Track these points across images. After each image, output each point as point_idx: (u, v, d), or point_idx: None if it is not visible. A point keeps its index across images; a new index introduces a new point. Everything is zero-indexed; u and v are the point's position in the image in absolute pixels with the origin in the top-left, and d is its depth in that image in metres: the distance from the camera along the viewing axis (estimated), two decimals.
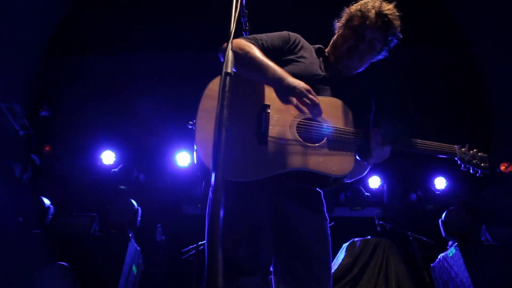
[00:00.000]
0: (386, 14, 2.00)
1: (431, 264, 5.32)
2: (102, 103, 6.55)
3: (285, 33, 2.10)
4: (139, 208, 5.45)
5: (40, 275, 4.10)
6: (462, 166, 2.13)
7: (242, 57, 1.78)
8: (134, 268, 4.73)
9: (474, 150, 2.15)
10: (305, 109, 1.67)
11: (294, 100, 1.64)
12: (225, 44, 1.79)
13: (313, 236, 1.83)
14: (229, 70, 1.10)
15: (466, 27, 5.26)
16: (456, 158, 2.10)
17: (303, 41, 2.13)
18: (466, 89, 6.12)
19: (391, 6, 2.05)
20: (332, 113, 1.86)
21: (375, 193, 6.84)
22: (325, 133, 1.82)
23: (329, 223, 1.96)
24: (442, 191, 6.58)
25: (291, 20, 5.27)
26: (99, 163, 6.55)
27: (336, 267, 4.74)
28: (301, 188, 1.88)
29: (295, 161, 1.74)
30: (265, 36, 2.01)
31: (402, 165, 6.75)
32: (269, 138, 1.74)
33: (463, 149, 2.12)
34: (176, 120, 5.98)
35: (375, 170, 6.74)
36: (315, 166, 1.75)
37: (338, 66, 2.09)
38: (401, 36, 2.10)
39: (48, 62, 6.26)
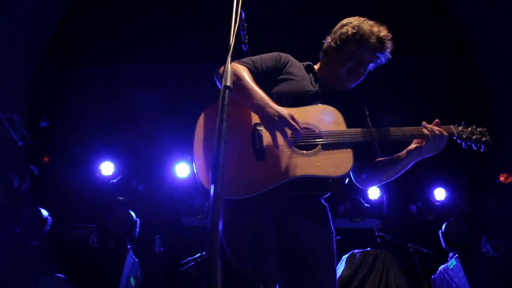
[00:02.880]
0: (385, 40, 2.06)
1: (432, 276, 5.28)
2: (101, 113, 6.56)
3: (276, 53, 2.16)
4: (137, 219, 5.42)
5: (37, 287, 4.06)
6: (463, 144, 2.09)
7: (234, 83, 1.82)
8: (132, 280, 4.69)
9: (473, 126, 2.12)
10: (288, 133, 1.73)
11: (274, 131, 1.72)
12: (221, 69, 1.87)
13: (319, 247, 1.85)
14: (228, 84, 1.11)
15: (468, 36, 5.31)
16: (454, 137, 2.07)
17: (292, 60, 2.19)
18: (466, 100, 6.15)
19: (386, 30, 2.10)
20: (323, 118, 1.91)
21: (374, 204, 6.82)
22: (318, 138, 1.85)
23: (336, 237, 1.97)
24: (442, 202, 6.56)
25: (290, 33, 5.31)
26: (98, 174, 6.54)
27: None
28: (304, 198, 1.90)
29: (294, 170, 1.76)
30: (259, 58, 2.08)
31: (402, 176, 6.73)
32: (266, 154, 1.79)
33: (460, 127, 2.10)
34: (176, 131, 5.99)
35: None
36: (314, 171, 1.78)
37: (338, 87, 2.14)
38: (390, 57, 2.14)
39: (48, 73, 6.29)
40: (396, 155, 2.10)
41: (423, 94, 6.14)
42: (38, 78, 6.19)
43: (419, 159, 2.03)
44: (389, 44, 2.08)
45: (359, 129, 1.95)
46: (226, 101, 1.07)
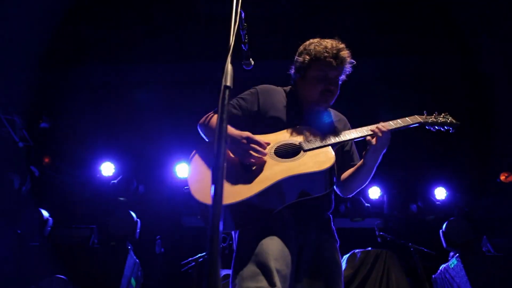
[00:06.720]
0: (340, 52, 2.16)
1: (433, 276, 5.28)
2: (102, 114, 6.57)
3: (253, 91, 2.30)
4: (138, 220, 5.42)
5: None
6: (432, 128, 2.31)
7: (211, 131, 2.10)
8: (133, 281, 4.69)
9: (435, 113, 2.34)
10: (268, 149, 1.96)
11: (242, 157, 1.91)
12: (203, 119, 2.12)
13: (331, 258, 1.99)
14: (228, 84, 1.11)
15: (467, 35, 5.30)
16: (417, 124, 2.24)
17: (270, 92, 2.32)
18: (467, 99, 6.15)
19: (337, 42, 2.21)
20: (299, 134, 2.09)
21: (375, 204, 6.82)
22: (298, 147, 2.01)
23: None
24: (443, 202, 6.56)
25: (291, 32, 5.31)
26: (98, 175, 6.55)
27: None
28: (312, 209, 2.02)
29: (281, 173, 1.86)
30: (236, 101, 2.23)
31: (402, 176, 6.74)
32: (251, 166, 1.94)
33: (424, 116, 2.30)
34: (176, 131, 5.99)
35: (375, 180, 6.74)
36: (296, 170, 1.88)
37: (316, 109, 2.27)
38: (354, 62, 2.24)
39: (48, 74, 6.29)
40: (357, 165, 2.21)
41: (423, 93, 6.14)
42: (38, 79, 6.20)
43: (379, 157, 2.10)
44: (344, 54, 2.18)
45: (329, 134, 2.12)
46: (226, 101, 1.07)
